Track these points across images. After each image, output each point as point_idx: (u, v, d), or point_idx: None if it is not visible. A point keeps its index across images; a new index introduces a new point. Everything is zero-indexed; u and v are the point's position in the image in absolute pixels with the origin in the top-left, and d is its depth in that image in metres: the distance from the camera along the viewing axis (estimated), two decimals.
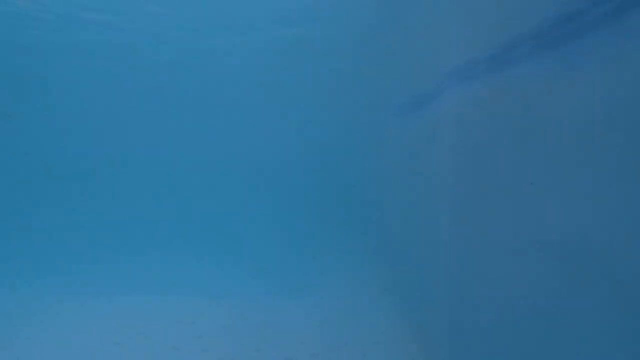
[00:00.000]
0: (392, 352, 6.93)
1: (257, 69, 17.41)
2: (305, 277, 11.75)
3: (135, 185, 19.54)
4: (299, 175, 18.96)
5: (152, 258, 13.83)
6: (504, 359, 4.09)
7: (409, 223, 8.20)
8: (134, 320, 8.03)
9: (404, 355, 6.77)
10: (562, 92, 3.29)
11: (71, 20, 13.64)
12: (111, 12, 13.17)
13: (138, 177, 19.67)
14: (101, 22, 13.90)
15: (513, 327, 3.93)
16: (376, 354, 6.88)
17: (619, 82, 2.68)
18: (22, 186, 18.64)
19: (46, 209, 17.81)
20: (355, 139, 15.56)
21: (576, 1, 3.13)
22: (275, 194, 19.25)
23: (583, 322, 2.91)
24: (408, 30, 8.73)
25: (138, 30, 14.49)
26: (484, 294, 4.61)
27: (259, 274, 12.21)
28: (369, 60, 13.17)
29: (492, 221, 4.49)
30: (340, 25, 13.39)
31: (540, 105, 3.59)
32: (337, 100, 18.19)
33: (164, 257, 14.07)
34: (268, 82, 18.36)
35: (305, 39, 14.76)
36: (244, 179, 19.70)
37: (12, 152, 18.70)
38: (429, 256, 6.66)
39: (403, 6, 9.23)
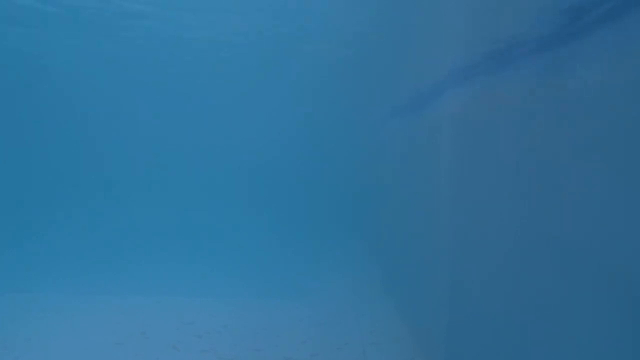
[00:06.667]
0: (392, 352, 6.94)
1: (255, 69, 17.41)
2: (305, 277, 11.75)
3: (135, 186, 19.54)
4: (299, 176, 18.95)
5: (152, 258, 13.83)
6: (503, 358, 4.10)
7: (408, 223, 8.20)
8: (134, 320, 8.03)
9: (403, 355, 6.78)
10: (561, 92, 3.30)
11: (75, 24, 13.64)
12: (113, 12, 13.18)
13: (138, 179, 19.66)
14: (102, 24, 13.91)
15: (512, 327, 3.93)
16: (376, 354, 6.89)
17: (618, 82, 2.69)
18: (22, 187, 18.64)
19: (46, 210, 17.81)
20: (355, 140, 15.55)
21: (576, 1, 3.13)
22: (275, 194, 19.25)
23: (582, 322, 2.92)
24: (408, 30, 8.74)
25: (139, 32, 14.50)
26: (482, 294, 4.62)
27: (258, 274, 12.22)
28: (369, 60, 13.16)
29: (491, 221, 4.49)
30: (340, 25, 13.40)
31: (539, 106, 3.60)
32: (336, 101, 18.18)
33: (164, 257, 14.07)
34: (267, 83, 18.36)
35: (305, 40, 14.77)
36: (243, 180, 19.70)
37: (16, 154, 18.70)
38: (428, 256, 6.66)
39: (403, 6, 9.24)
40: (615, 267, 2.64)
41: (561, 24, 3.31)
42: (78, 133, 19.17)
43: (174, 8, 12.87)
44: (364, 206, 14.02)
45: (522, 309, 3.78)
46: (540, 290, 3.47)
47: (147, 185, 19.57)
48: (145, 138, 19.75)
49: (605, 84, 2.80)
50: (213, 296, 9.77)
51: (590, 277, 2.86)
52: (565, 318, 3.13)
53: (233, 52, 16.33)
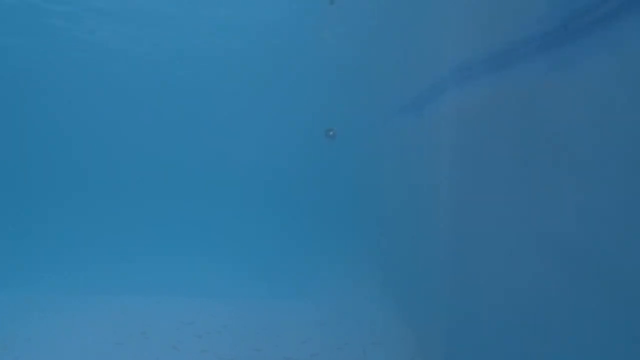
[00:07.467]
0: (392, 352, 6.93)
1: (255, 68, 17.41)
2: (305, 277, 11.75)
3: (135, 185, 19.54)
4: (298, 176, 18.96)
5: (152, 258, 13.83)
6: (503, 358, 4.10)
7: (408, 223, 8.20)
8: (134, 320, 8.03)
9: (404, 355, 6.78)
10: (561, 92, 3.30)
11: (75, 23, 13.65)
12: (111, 14, 13.19)
13: (138, 178, 19.67)
14: (101, 24, 13.91)
15: (512, 327, 3.93)
16: (376, 354, 6.89)
17: (618, 82, 2.68)
18: (21, 186, 18.64)
19: (46, 210, 17.81)
20: (355, 140, 15.55)
21: (576, 1, 3.13)
22: (275, 194, 19.25)
23: (582, 322, 2.92)
24: (408, 30, 8.74)
25: (138, 34, 14.50)
26: (483, 294, 4.62)
27: (258, 273, 12.22)
28: (369, 60, 13.16)
29: (492, 221, 4.49)
30: (339, 25, 13.40)
31: (540, 106, 3.60)
32: (336, 100, 18.18)
33: (164, 257, 14.07)
34: (267, 82, 18.36)
35: (305, 40, 14.77)
36: (243, 180, 19.70)
37: (14, 152, 18.70)
38: (429, 256, 6.66)
39: (403, 6, 9.24)
40: (615, 266, 2.64)
41: (561, 24, 3.31)
42: (82, 131, 19.17)
43: (175, 11, 12.88)
44: (364, 206, 14.03)
45: (522, 309, 3.78)
46: (541, 290, 3.47)
47: (148, 185, 19.57)
48: (148, 139, 19.76)
49: (605, 84, 2.80)
50: (213, 296, 9.77)
51: (591, 278, 2.86)
52: (565, 318, 3.13)
53: (236, 54, 16.34)
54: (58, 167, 19.07)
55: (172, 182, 19.72)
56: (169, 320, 8.06)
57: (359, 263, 12.20)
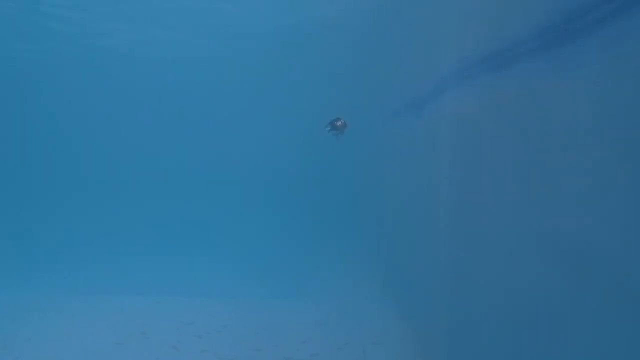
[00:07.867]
0: (392, 352, 6.93)
1: (255, 69, 17.40)
2: (305, 277, 11.75)
3: (135, 185, 19.54)
4: (298, 176, 18.95)
5: (152, 258, 13.83)
6: (503, 358, 4.10)
7: (408, 223, 8.20)
8: (134, 320, 8.02)
9: (404, 355, 6.77)
10: (561, 92, 3.30)
11: (75, 24, 13.65)
12: (111, 16, 13.19)
13: (138, 178, 19.67)
14: (102, 26, 13.92)
15: (512, 327, 3.93)
16: (376, 353, 6.89)
17: (618, 82, 2.68)
18: (21, 186, 18.63)
19: (46, 209, 17.80)
20: (355, 140, 15.53)
21: (575, 2, 3.13)
22: (275, 194, 19.24)
23: (583, 322, 2.92)
24: (407, 30, 8.73)
25: (136, 35, 14.50)
26: (483, 294, 4.62)
27: (259, 273, 12.22)
28: (369, 61, 13.16)
29: (492, 221, 4.49)
30: (339, 26, 13.39)
31: (539, 106, 3.60)
32: (336, 101, 18.16)
33: (164, 257, 14.07)
34: (266, 83, 18.35)
35: (304, 40, 14.76)
36: (243, 180, 19.70)
37: (14, 153, 18.69)
38: (429, 256, 6.66)
39: (402, 7, 9.24)
40: (615, 266, 2.64)
41: (561, 25, 3.31)
42: (82, 131, 19.17)
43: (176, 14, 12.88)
44: (364, 206, 14.02)
45: (523, 309, 3.78)
46: (541, 290, 3.47)
47: (148, 185, 19.57)
48: (148, 139, 19.75)
49: (604, 84, 2.80)
50: (213, 296, 9.77)
51: (591, 278, 2.86)
52: (565, 318, 3.13)
53: (236, 55, 16.33)
54: (58, 167, 19.06)
55: (172, 182, 19.71)
56: (169, 320, 8.06)
57: (359, 263, 12.18)
